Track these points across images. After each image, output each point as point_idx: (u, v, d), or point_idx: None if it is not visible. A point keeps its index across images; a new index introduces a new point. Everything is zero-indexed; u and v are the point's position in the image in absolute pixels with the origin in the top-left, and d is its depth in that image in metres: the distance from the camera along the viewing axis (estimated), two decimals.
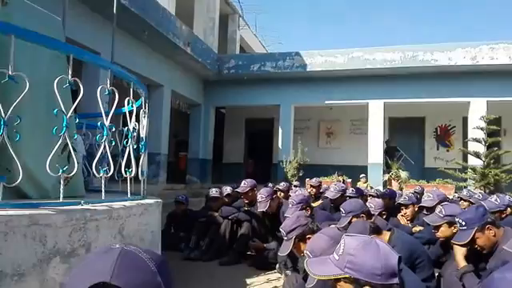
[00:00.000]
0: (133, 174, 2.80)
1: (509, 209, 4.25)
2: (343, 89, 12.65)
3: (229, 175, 13.96)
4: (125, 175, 2.80)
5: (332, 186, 5.47)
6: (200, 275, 4.21)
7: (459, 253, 2.59)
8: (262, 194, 4.56)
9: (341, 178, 11.10)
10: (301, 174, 11.54)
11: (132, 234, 2.53)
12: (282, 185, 6.41)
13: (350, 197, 5.08)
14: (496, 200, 4.17)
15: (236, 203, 5.26)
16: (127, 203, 2.59)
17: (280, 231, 2.81)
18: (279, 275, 4.06)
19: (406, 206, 4.51)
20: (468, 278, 2.45)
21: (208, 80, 13.50)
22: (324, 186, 7.33)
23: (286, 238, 2.67)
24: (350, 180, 11.28)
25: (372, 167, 12.26)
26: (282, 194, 5.99)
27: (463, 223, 2.56)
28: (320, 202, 5.80)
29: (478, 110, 11.44)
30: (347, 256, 1.30)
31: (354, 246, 1.31)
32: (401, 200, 4.66)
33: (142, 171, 3.03)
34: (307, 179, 7.79)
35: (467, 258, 2.55)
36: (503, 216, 4.10)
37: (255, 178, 5.76)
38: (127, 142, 2.86)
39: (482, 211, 2.60)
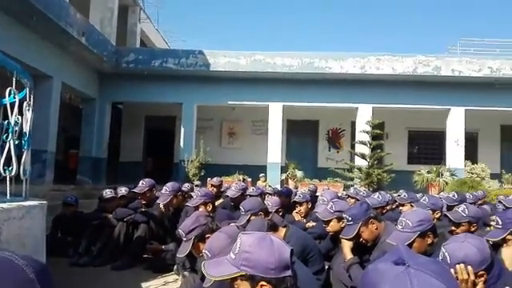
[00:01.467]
0: (13, 173, 2.53)
1: (389, 205, 4.74)
2: (246, 90, 12.91)
3: (126, 175, 13.29)
4: (4, 174, 2.52)
5: (233, 185, 5.53)
6: (90, 281, 3.93)
7: (346, 246, 2.79)
8: (167, 186, 4.44)
9: (241, 177, 11.31)
10: (202, 174, 11.49)
11: (11, 240, 2.28)
12: (186, 186, 6.32)
13: (251, 195, 5.18)
14: (378, 197, 4.61)
15: (132, 204, 5.01)
16: (5, 205, 2.35)
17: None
18: (177, 277, 3.96)
19: (301, 204, 4.74)
20: (354, 269, 2.65)
21: (104, 73, 12.70)
22: (225, 185, 7.39)
23: (185, 239, 2.61)
24: (250, 179, 11.54)
25: (271, 167, 12.72)
26: (185, 195, 5.89)
27: (350, 218, 2.78)
28: (221, 201, 5.82)
29: (364, 115, 12.56)
30: (243, 254, 1.31)
31: (250, 243, 1.33)
32: (296, 198, 4.89)
33: (24, 170, 2.77)
34: (209, 179, 7.77)
35: (353, 250, 2.76)
36: (384, 211, 4.55)
37: (155, 177, 5.57)
38: (7, 137, 2.58)
39: (365, 207, 2.84)
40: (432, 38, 47.55)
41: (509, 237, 2.26)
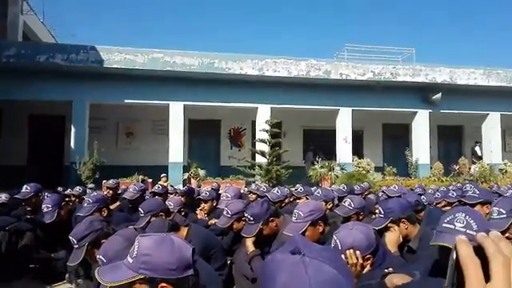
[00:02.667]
0: None
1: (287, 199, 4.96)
2: (144, 88, 12.43)
3: (6, 180, 11.85)
4: None
5: (131, 186, 5.28)
6: None
7: (248, 240, 2.85)
8: (47, 203, 4.00)
9: (140, 178, 10.88)
10: (97, 176, 10.78)
11: None
12: (78, 190, 5.85)
13: (154, 193, 5.02)
14: (277, 192, 4.81)
15: (15, 212, 4.50)
16: None
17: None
18: (70, 285, 3.66)
19: (206, 201, 4.72)
20: (255, 260, 2.72)
21: None
22: (123, 187, 7.03)
23: (76, 246, 2.42)
24: (150, 180, 11.16)
25: (172, 166, 12.46)
26: (77, 199, 5.46)
27: (251, 218, 2.83)
28: (118, 203, 5.52)
29: (263, 114, 12.99)
30: (141, 257, 1.26)
31: (148, 245, 1.28)
32: (202, 195, 4.85)
33: None
34: (104, 181, 7.31)
35: (255, 243, 2.83)
36: (283, 205, 4.75)
37: (42, 182, 5.06)
38: None
39: (266, 207, 2.92)
40: (322, 42, 51.05)
41: (390, 224, 2.51)
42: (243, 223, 3.13)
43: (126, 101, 12.64)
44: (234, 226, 3.24)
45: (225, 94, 12.99)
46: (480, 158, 15.07)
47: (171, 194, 5.73)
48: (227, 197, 4.47)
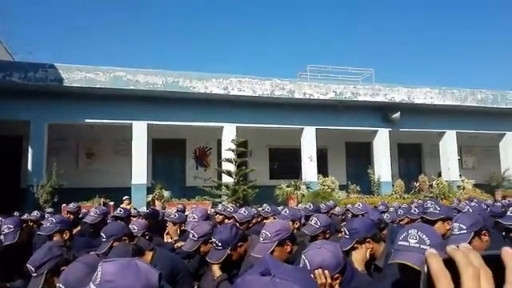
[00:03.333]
0: None
1: (254, 219, 4.93)
2: (105, 108, 12.15)
3: None
4: None
5: (92, 210, 5.08)
6: None
7: (215, 264, 2.78)
8: (7, 224, 3.81)
9: (102, 201, 10.52)
10: (56, 200, 10.33)
11: None
12: (35, 215, 5.56)
13: (116, 217, 4.83)
14: (244, 212, 4.76)
15: None
16: None
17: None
18: None
19: (175, 224, 4.61)
20: (222, 285, 2.66)
21: None
22: (84, 210, 6.76)
23: (35, 274, 2.28)
24: (112, 203, 10.82)
25: (136, 188, 12.14)
26: (35, 224, 5.19)
27: (219, 244, 2.76)
28: (78, 228, 5.29)
29: (229, 134, 12.99)
30: (105, 284, 1.20)
31: (112, 271, 1.23)
32: (168, 218, 4.73)
33: None
34: (64, 205, 7.02)
35: (222, 267, 2.77)
36: (250, 225, 4.71)
37: None
38: None
39: (234, 232, 2.85)
40: (285, 61, 52.10)
41: (356, 245, 2.53)
42: (210, 246, 3.07)
43: (87, 120, 12.29)
44: (201, 248, 3.17)
45: (189, 113, 12.91)
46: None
47: (134, 217, 5.55)
48: (194, 218, 4.38)
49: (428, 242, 1.57)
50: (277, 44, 56.79)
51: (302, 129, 14.22)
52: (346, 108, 14.30)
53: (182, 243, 4.15)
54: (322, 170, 14.94)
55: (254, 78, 13.36)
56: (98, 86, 11.78)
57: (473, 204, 5.31)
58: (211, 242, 2.93)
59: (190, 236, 3.19)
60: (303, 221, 4.35)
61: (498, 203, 7.53)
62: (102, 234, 3.23)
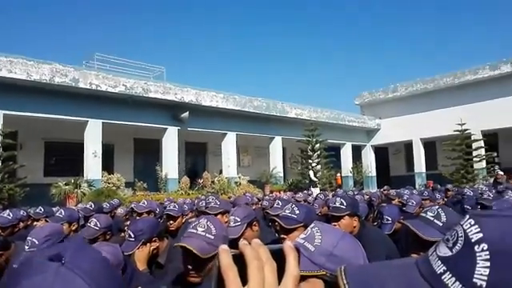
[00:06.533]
0: None
1: (22, 223, 4.25)
2: None
3: None
4: None
5: None
6: None
7: None
8: None
9: None
10: None
11: None
12: None
13: None
14: (9, 214, 4.05)
15: None
16: None
17: None
18: None
19: None
20: None
21: None
22: None
23: None
24: None
25: None
26: None
27: None
28: None
29: None
30: None
31: None
32: None
33: None
34: None
35: None
36: (16, 230, 4.04)
37: None
38: None
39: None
40: (68, 46, 47.45)
41: (141, 246, 2.42)
42: None
43: None
44: None
45: None
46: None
47: None
48: None
49: (214, 232, 1.71)
50: (59, 26, 51.12)
51: (87, 122, 13.12)
52: (136, 103, 13.98)
53: None
54: (108, 166, 14.17)
55: (29, 60, 11.53)
56: None
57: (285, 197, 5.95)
58: None
59: None
60: (82, 222, 4.01)
61: (267, 197, 8.72)
62: None
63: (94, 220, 3.06)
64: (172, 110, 15.06)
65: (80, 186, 11.69)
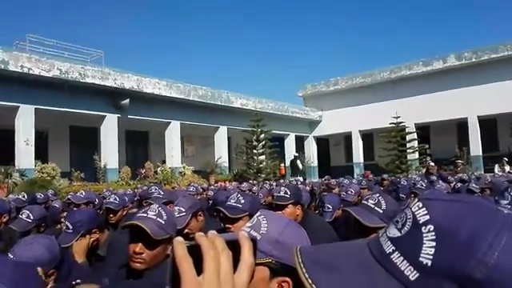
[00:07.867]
0: None
1: None
2: None
3: None
4: None
5: None
6: None
7: None
8: None
9: None
10: None
11: None
12: None
13: None
14: None
15: None
16: None
17: None
18: None
19: None
20: None
21: None
22: None
23: None
24: None
25: None
26: None
27: None
28: None
29: None
30: None
31: None
32: None
33: None
34: None
35: None
36: None
37: None
38: None
39: None
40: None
41: (79, 238, 2.31)
42: None
43: None
44: None
45: None
46: (299, 170, 17.61)
47: None
48: None
49: (165, 217, 1.73)
50: None
51: (18, 107, 12.21)
52: (72, 89, 13.22)
53: None
54: (42, 155, 13.33)
55: None
56: None
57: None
58: None
59: None
60: (14, 214, 3.75)
61: (212, 186, 8.68)
62: None
63: (27, 211, 2.88)
64: (111, 97, 14.44)
65: (11, 176, 10.92)
